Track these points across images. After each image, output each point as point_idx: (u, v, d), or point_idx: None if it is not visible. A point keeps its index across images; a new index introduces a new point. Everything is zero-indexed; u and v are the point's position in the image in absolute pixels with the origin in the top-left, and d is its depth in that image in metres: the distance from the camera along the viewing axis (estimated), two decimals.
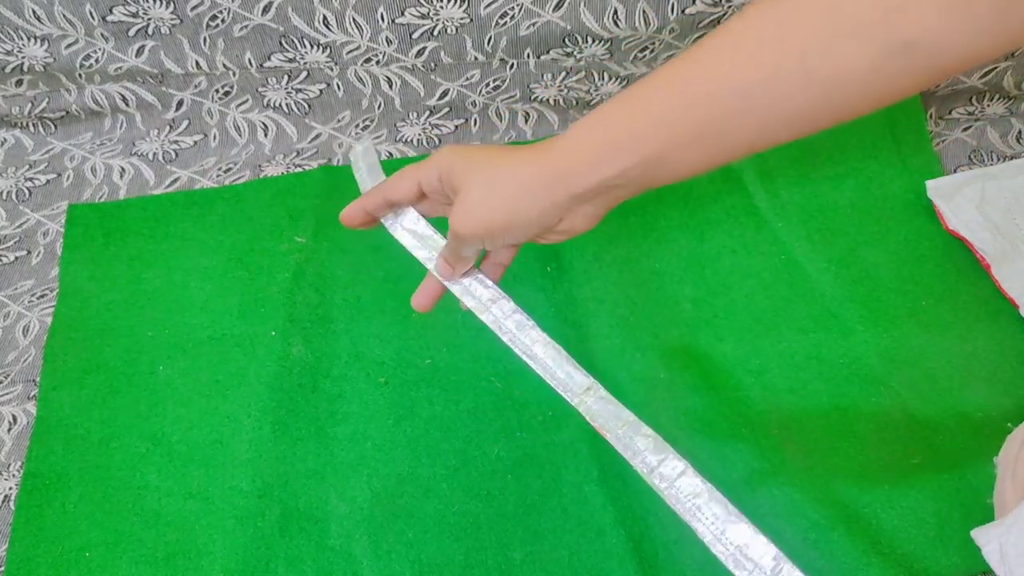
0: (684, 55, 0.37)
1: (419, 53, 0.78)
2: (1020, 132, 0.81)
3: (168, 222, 0.78)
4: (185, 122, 0.84)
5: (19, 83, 0.80)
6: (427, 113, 0.84)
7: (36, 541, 0.59)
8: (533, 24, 0.75)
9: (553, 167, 0.40)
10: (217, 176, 0.82)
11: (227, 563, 0.57)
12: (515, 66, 0.80)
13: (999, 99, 0.82)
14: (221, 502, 0.60)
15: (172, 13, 0.74)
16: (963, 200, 0.72)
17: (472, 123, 0.85)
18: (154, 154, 0.83)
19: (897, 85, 0.33)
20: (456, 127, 0.85)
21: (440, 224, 0.49)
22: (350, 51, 0.78)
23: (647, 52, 0.79)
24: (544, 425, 0.63)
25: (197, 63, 0.78)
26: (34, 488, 0.61)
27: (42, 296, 0.73)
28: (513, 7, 0.73)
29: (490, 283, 0.50)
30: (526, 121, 0.85)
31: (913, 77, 0.32)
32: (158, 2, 0.73)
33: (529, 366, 0.47)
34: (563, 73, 0.81)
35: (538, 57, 0.79)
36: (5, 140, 0.84)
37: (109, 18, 0.74)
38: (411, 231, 0.50)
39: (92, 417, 0.65)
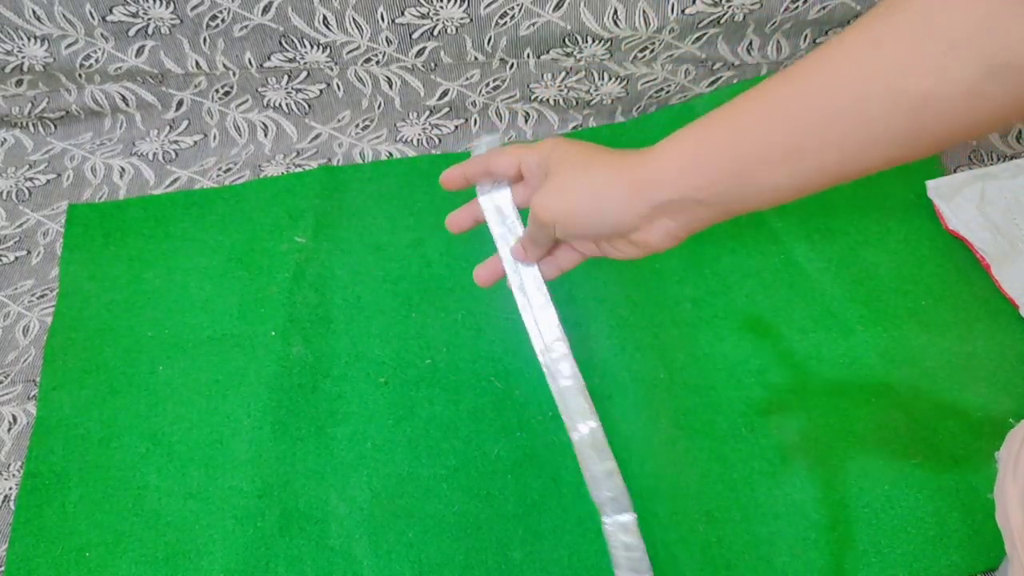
0: (779, 74, 0.36)
1: (419, 53, 0.78)
2: (1020, 132, 0.81)
3: (168, 222, 0.78)
4: (185, 122, 0.84)
5: (19, 83, 0.80)
6: (427, 113, 0.84)
7: (36, 541, 0.59)
8: (533, 24, 0.75)
9: (640, 173, 0.40)
10: (217, 176, 0.82)
11: (227, 563, 0.57)
12: (515, 66, 0.80)
13: None
14: (221, 502, 0.60)
15: (172, 13, 0.74)
16: (963, 200, 0.72)
17: (472, 123, 0.85)
18: (154, 154, 0.83)
19: (990, 110, 0.31)
20: (456, 127, 0.85)
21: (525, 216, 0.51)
22: (350, 51, 0.78)
23: (647, 52, 0.79)
24: (544, 425, 0.63)
25: (197, 63, 0.78)
26: (34, 488, 0.61)
27: (42, 296, 0.73)
28: (513, 7, 0.73)
29: (544, 289, 0.51)
30: (526, 121, 0.85)
31: (1009, 102, 0.31)
32: (158, 2, 0.73)
33: (548, 382, 0.50)
34: (563, 73, 0.81)
35: (538, 57, 0.79)
36: (5, 140, 0.84)
37: (109, 18, 0.74)
38: (497, 206, 0.52)
39: (92, 417, 0.65)
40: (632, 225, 0.42)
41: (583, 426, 0.49)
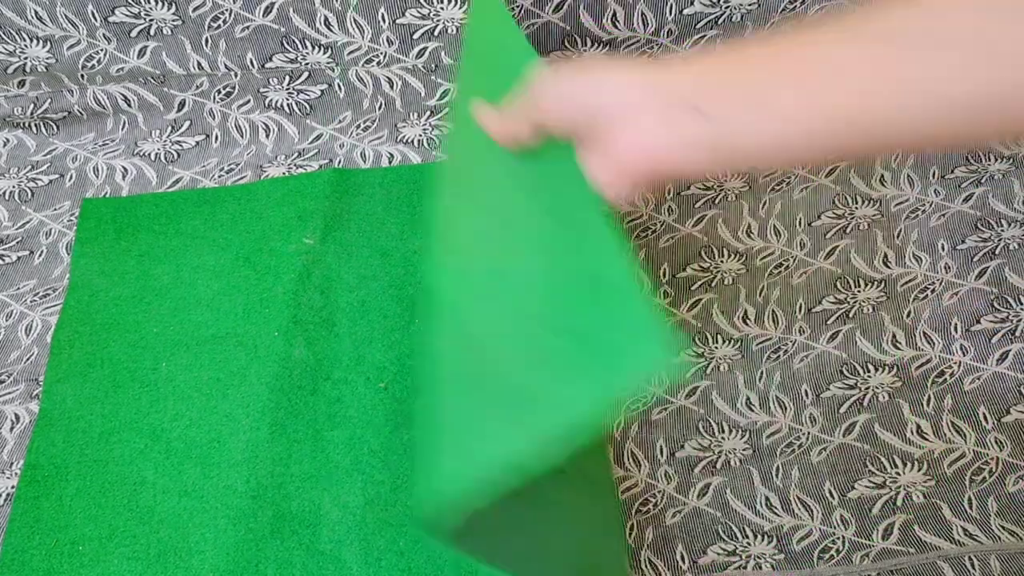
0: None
1: (420, 54, 0.78)
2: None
3: (179, 219, 0.78)
4: (187, 123, 0.84)
5: (21, 84, 0.80)
6: (428, 113, 0.84)
7: (32, 532, 0.59)
8: (533, 25, 0.74)
9: (652, 68, 0.38)
10: (219, 176, 0.82)
11: (217, 562, 0.57)
12: None
13: None
14: (215, 501, 0.60)
15: (174, 14, 0.74)
16: None
17: None
18: (156, 154, 0.84)
19: None
20: None
21: None
22: (351, 52, 0.78)
23: (646, 53, 0.78)
24: None
25: (199, 64, 0.79)
26: (33, 479, 0.62)
27: (45, 295, 0.74)
28: (513, 8, 0.73)
29: None
30: None
31: None
32: (160, 3, 0.73)
33: None
34: None
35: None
36: (8, 140, 0.85)
37: (111, 19, 0.74)
38: None
39: (94, 411, 0.65)
40: (618, 109, 0.37)
41: None
